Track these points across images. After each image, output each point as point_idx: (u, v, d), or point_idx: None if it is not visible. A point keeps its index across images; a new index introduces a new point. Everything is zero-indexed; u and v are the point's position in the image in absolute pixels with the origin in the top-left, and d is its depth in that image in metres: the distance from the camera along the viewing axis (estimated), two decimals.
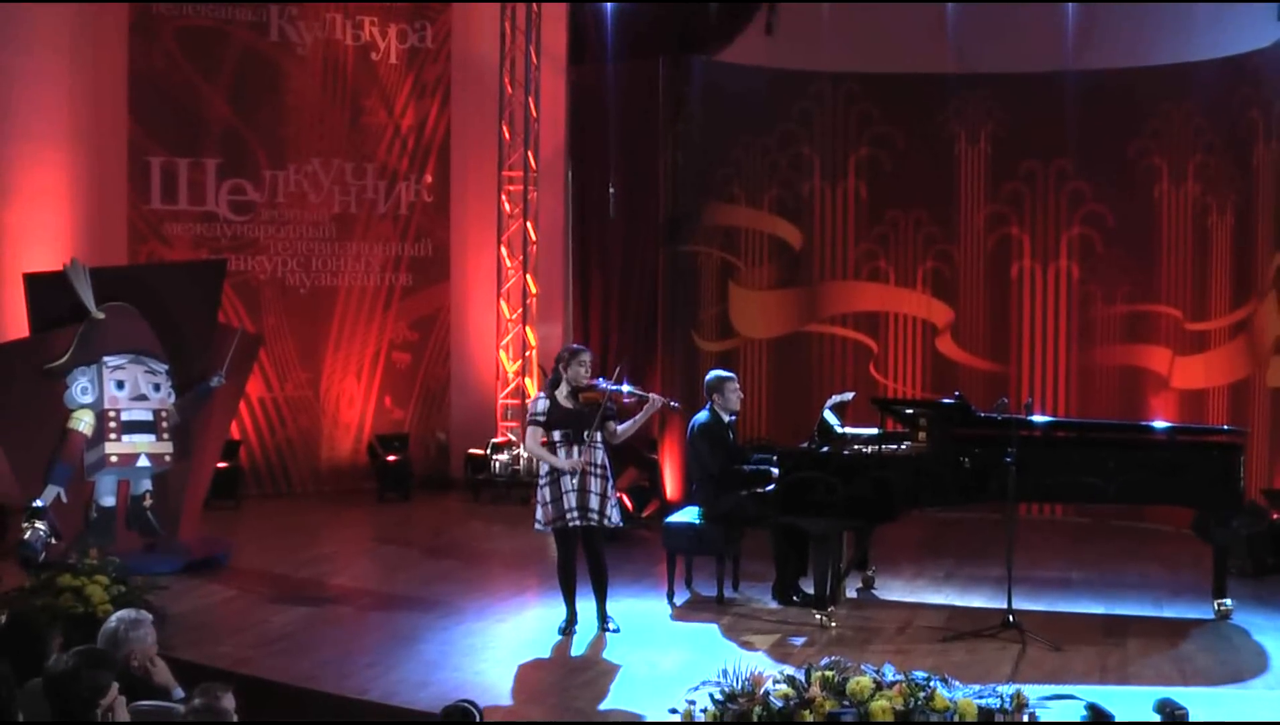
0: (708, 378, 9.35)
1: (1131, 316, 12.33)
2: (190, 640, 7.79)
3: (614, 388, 8.36)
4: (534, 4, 13.45)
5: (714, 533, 9.08)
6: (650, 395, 8.46)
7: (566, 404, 8.26)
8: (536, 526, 8.36)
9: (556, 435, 8.24)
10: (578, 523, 8.20)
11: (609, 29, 13.01)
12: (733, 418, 9.29)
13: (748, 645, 8.09)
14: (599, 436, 8.27)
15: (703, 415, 9.16)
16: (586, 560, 8.34)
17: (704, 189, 12.93)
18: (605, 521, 8.30)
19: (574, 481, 8.17)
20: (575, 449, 8.20)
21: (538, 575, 10.04)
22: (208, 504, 11.07)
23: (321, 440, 13.57)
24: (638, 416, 8.43)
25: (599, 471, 8.25)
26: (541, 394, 8.46)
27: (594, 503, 8.21)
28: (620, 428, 8.37)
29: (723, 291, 13.01)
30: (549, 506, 8.24)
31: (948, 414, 9.04)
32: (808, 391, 12.67)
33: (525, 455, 13.13)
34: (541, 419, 8.27)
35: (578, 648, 8.09)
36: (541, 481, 8.29)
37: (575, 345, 8.68)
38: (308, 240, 13.49)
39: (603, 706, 6.96)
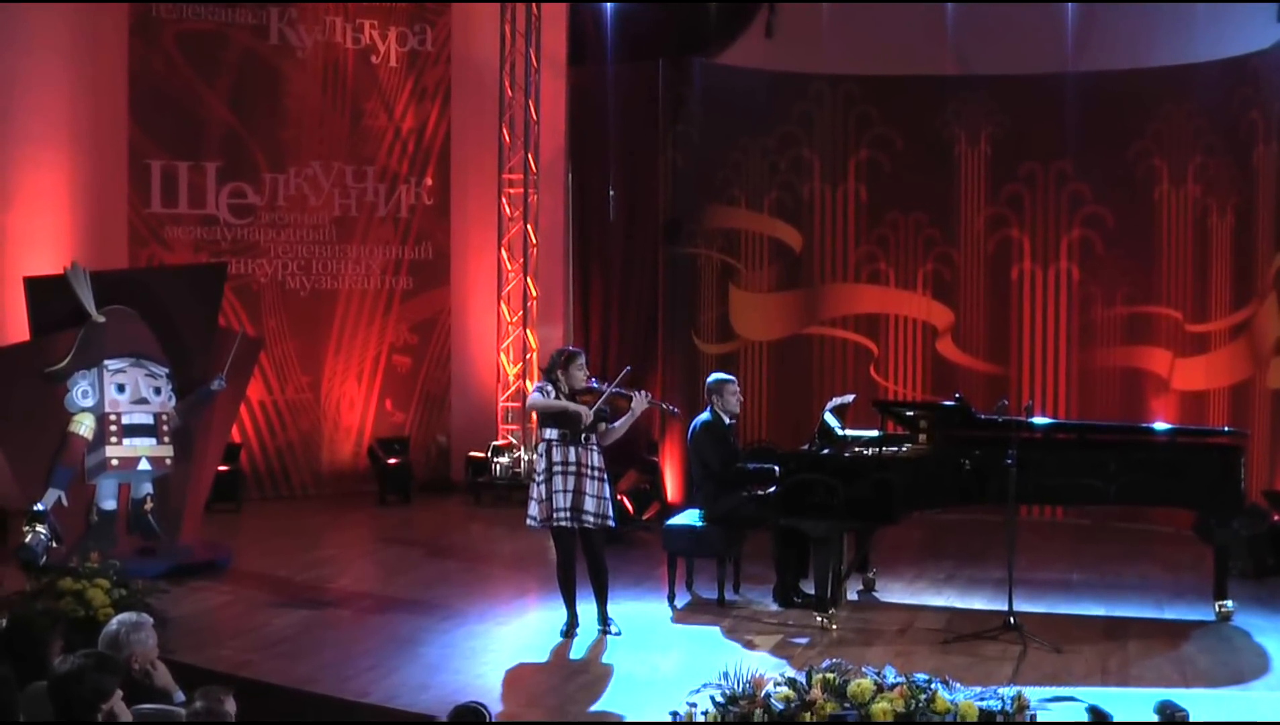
0: (708, 380, 9.36)
1: (1132, 318, 12.32)
2: (191, 643, 7.78)
3: (612, 389, 8.35)
4: (534, 6, 13.46)
5: (715, 535, 9.08)
6: (636, 393, 8.42)
7: None
8: (529, 522, 8.33)
9: (553, 434, 8.22)
10: (568, 523, 8.18)
11: (609, 31, 13.03)
12: (733, 421, 9.29)
13: (749, 647, 8.08)
14: (594, 438, 8.27)
15: (704, 416, 9.17)
16: (586, 562, 8.33)
17: (704, 191, 12.94)
18: (608, 523, 8.30)
19: (568, 482, 8.16)
20: (571, 450, 8.19)
21: (538, 578, 10.04)
22: (209, 507, 11.07)
23: (322, 443, 13.57)
24: (625, 418, 8.41)
25: (595, 473, 8.23)
26: (544, 382, 8.36)
27: (590, 504, 8.19)
28: (609, 427, 8.37)
29: (723, 294, 13.01)
30: (542, 504, 8.22)
31: (948, 416, 9.04)
32: (808, 394, 12.68)
33: (526, 458, 13.16)
34: (549, 392, 8.20)
35: (578, 650, 8.09)
36: (538, 477, 8.26)
37: (571, 348, 8.62)
38: (308, 243, 13.49)
39: (604, 709, 6.96)
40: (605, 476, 8.31)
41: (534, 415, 10.59)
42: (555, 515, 8.17)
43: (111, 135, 12.81)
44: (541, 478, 8.24)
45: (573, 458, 8.19)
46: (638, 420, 8.61)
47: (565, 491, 8.16)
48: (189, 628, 8.28)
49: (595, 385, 8.35)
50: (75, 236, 12.43)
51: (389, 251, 13.78)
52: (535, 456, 8.38)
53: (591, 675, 7.56)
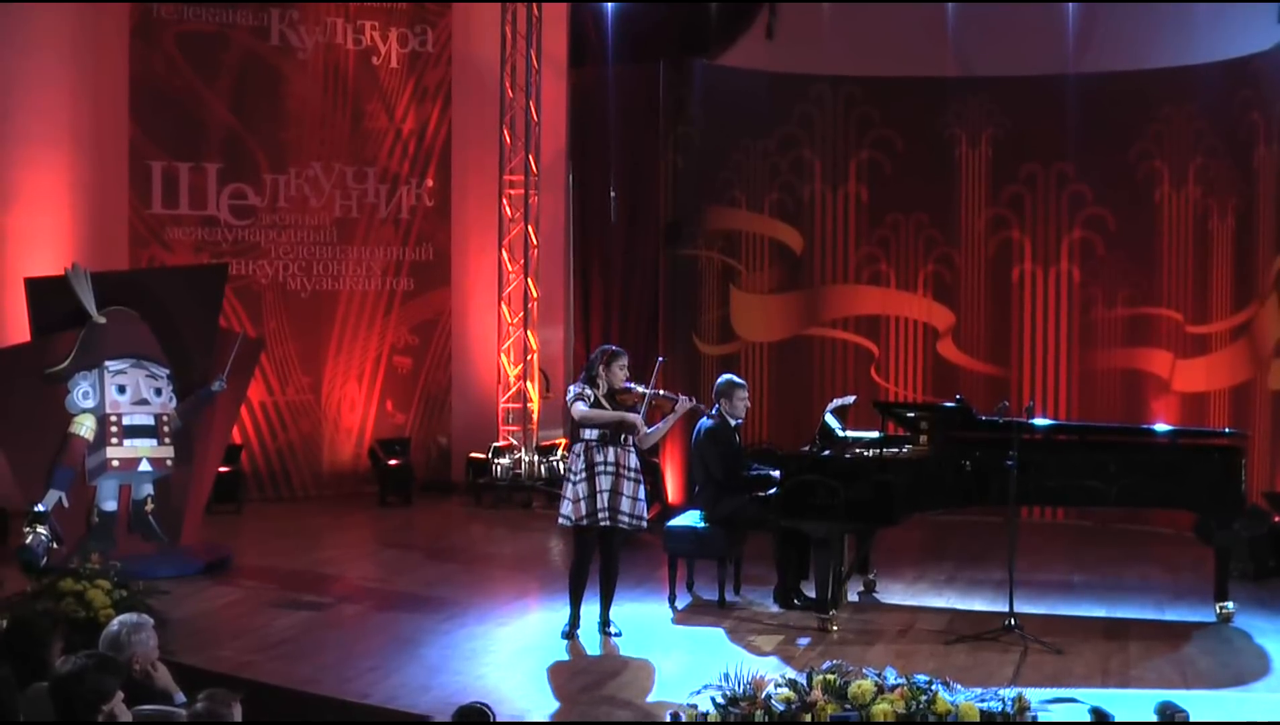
0: (719, 382, 9.30)
1: (1132, 320, 12.33)
2: (192, 645, 7.78)
3: (651, 391, 8.34)
4: (535, 7, 13.46)
5: (716, 536, 9.08)
6: (680, 397, 8.44)
7: (605, 404, 8.24)
8: (561, 521, 8.30)
9: (593, 435, 8.18)
10: (608, 523, 8.16)
11: (609, 32, 13.05)
12: (738, 423, 9.28)
13: (750, 649, 8.08)
14: (632, 440, 8.26)
15: (709, 420, 9.15)
16: (600, 563, 8.32)
17: (705, 192, 12.95)
18: (641, 524, 8.28)
19: (608, 482, 8.14)
20: (611, 450, 8.17)
21: (539, 579, 10.04)
22: (209, 508, 11.06)
23: (323, 444, 13.57)
24: (667, 419, 8.41)
25: (633, 475, 8.21)
26: (582, 383, 8.33)
27: (625, 505, 8.17)
28: (649, 431, 8.36)
29: (724, 295, 13.02)
30: (580, 503, 8.16)
31: (949, 417, 9.04)
32: (809, 395, 12.69)
33: (527, 459, 13.15)
34: (590, 397, 8.19)
35: (579, 651, 8.09)
36: (575, 477, 8.20)
37: (613, 347, 8.52)
38: (309, 245, 13.50)
39: (604, 710, 6.96)
40: (641, 478, 8.30)
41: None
42: (599, 514, 8.13)
43: (112, 136, 12.82)
44: (581, 477, 8.17)
45: (612, 458, 8.16)
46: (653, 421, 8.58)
47: (606, 492, 8.14)
48: (190, 629, 8.27)
49: (631, 386, 8.32)
50: (76, 237, 12.43)
51: (390, 253, 13.79)
52: (571, 457, 8.34)
53: (592, 676, 7.55)
